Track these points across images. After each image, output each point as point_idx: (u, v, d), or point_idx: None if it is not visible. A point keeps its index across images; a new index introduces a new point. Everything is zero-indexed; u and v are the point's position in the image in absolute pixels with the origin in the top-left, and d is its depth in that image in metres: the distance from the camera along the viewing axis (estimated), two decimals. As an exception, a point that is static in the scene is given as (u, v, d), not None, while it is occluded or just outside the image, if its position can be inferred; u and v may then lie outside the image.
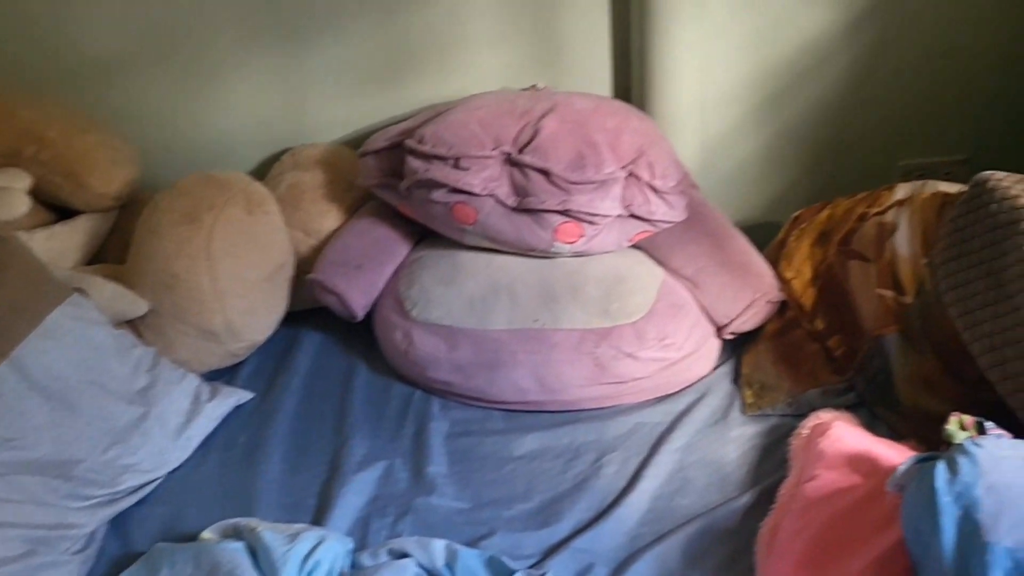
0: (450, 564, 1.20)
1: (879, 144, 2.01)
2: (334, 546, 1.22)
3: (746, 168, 2.03)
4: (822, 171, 2.03)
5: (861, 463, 1.23)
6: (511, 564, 1.22)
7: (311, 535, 1.22)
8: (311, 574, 1.17)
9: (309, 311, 1.78)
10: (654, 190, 1.55)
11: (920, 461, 1.07)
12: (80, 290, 1.49)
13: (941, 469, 1.01)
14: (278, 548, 1.18)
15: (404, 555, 1.22)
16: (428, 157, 1.56)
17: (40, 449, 1.31)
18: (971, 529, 0.96)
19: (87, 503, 1.33)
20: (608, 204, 1.52)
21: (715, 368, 1.61)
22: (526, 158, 1.53)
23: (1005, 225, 1.26)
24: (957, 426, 1.07)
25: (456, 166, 1.54)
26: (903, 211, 1.53)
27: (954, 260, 1.33)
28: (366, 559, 1.22)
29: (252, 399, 1.60)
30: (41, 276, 1.46)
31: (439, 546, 1.22)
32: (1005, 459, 1.00)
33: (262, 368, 1.70)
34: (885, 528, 1.11)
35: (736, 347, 1.64)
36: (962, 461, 1.01)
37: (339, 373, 1.67)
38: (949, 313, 1.32)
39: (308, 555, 1.18)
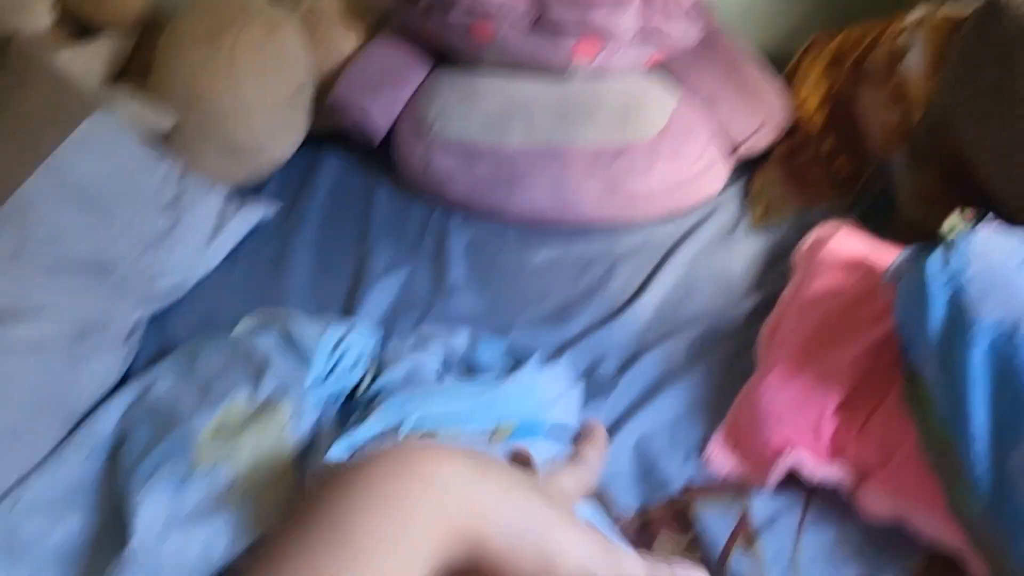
0: (472, 349, 1.28)
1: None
2: (363, 333, 1.29)
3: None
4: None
5: (859, 266, 1.29)
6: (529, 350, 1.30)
7: (341, 324, 1.30)
8: (341, 359, 1.25)
9: (326, 138, 1.81)
10: (669, 12, 1.56)
11: (916, 253, 1.13)
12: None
13: (936, 256, 1.07)
14: (309, 335, 1.26)
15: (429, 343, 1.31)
16: (448, -27, 1.56)
17: (79, 249, 1.38)
18: (958, 309, 1.03)
19: (126, 301, 1.41)
20: (625, 20, 1.54)
21: (724, 189, 1.66)
22: (545, -26, 1.53)
23: (1017, 39, 1.28)
24: (958, 218, 1.12)
25: (475, -18, 1.55)
26: (916, 34, 1.54)
27: (965, 74, 1.35)
28: (393, 345, 1.31)
29: (275, 215, 1.65)
30: (68, 89, 1.49)
31: (462, 333, 1.31)
32: (996, 245, 1.06)
33: (285, 187, 1.74)
34: (879, 320, 1.19)
35: (745, 171, 1.69)
36: (956, 249, 1.07)
37: (360, 193, 1.71)
38: (957, 125, 1.35)
39: (338, 342, 1.26)
